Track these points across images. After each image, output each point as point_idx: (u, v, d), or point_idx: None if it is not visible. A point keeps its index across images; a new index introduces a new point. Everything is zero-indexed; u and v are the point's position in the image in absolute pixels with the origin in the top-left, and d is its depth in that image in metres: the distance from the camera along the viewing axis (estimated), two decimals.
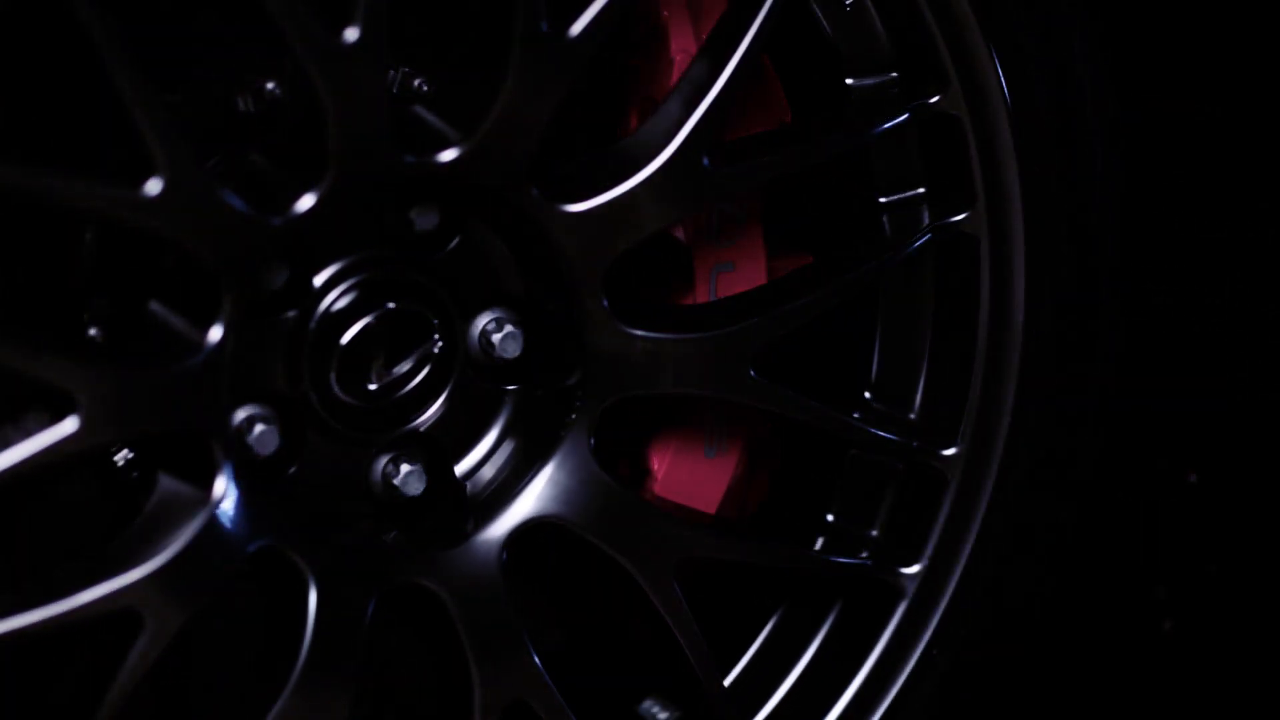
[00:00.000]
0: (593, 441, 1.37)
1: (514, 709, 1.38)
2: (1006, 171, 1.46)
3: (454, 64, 1.39)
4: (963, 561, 1.54)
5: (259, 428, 1.28)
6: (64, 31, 1.12)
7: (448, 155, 1.25)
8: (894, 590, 1.53)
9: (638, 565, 1.40)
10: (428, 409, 1.39)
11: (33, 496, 1.33)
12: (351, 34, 1.17)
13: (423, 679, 1.53)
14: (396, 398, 1.37)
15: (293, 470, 1.35)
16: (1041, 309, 1.50)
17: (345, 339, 1.33)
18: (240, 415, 1.28)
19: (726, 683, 1.54)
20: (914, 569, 1.53)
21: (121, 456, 1.33)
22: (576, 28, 1.25)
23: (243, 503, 1.25)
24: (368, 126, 1.20)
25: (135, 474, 1.33)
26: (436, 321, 1.36)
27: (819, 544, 1.55)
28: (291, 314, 1.32)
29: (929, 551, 1.53)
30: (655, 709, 1.58)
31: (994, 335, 1.50)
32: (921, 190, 1.50)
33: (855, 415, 1.52)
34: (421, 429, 1.39)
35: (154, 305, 1.29)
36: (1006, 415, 1.52)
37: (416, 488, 1.36)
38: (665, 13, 1.45)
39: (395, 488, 1.36)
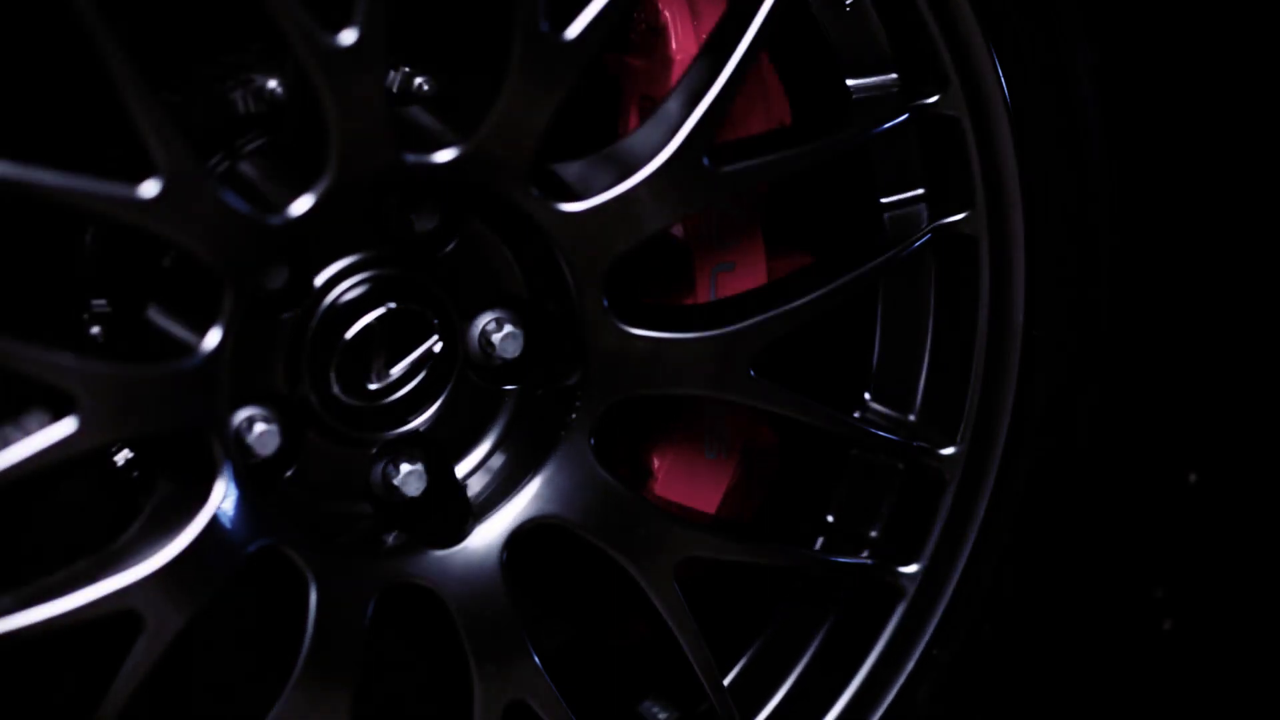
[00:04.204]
0: (593, 441, 1.37)
1: (514, 709, 1.38)
2: (1006, 171, 1.46)
3: (455, 64, 1.40)
4: (962, 561, 1.54)
5: (259, 428, 1.28)
6: (63, 29, 1.12)
7: (448, 155, 1.25)
8: (894, 590, 1.53)
9: (638, 565, 1.40)
10: (428, 409, 1.39)
11: (33, 496, 1.33)
12: (351, 35, 1.17)
13: (423, 679, 1.53)
14: (397, 398, 1.37)
15: (293, 470, 1.35)
16: (1041, 309, 1.50)
17: (345, 339, 1.33)
18: (240, 415, 1.28)
19: (726, 682, 1.54)
20: (913, 569, 1.53)
21: (122, 456, 1.33)
22: (574, 29, 1.25)
23: (243, 503, 1.25)
24: (368, 127, 1.20)
25: (135, 474, 1.33)
26: (436, 321, 1.36)
27: (819, 544, 1.55)
28: (292, 314, 1.32)
29: (929, 551, 1.53)
30: (655, 709, 1.58)
31: (993, 336, 1.50)
32: (921, 190, 1.50)
33: (855, 415, 1.52)
34: (421, 429, 1.39)
35: (154, 305, 1.29)
36: (1006, 415, 1.52)
37: (416, 488, 1.36)
38: (665, 13, 1.45)
39: (395, 488, 1.36)
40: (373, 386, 1.36)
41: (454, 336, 1.38)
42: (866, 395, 1.55)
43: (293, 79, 1.32)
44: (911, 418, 1.54)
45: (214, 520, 1.24)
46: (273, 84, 1.35)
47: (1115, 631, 1.92)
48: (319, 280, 1.33)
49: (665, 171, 1.32)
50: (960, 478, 1.52)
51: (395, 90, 1.38)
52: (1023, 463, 1.53)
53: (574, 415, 1.37)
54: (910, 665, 1.55)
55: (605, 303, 1.34)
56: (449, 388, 1.39)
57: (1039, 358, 1.52)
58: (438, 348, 1.37)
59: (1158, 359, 1.78)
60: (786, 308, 1.41)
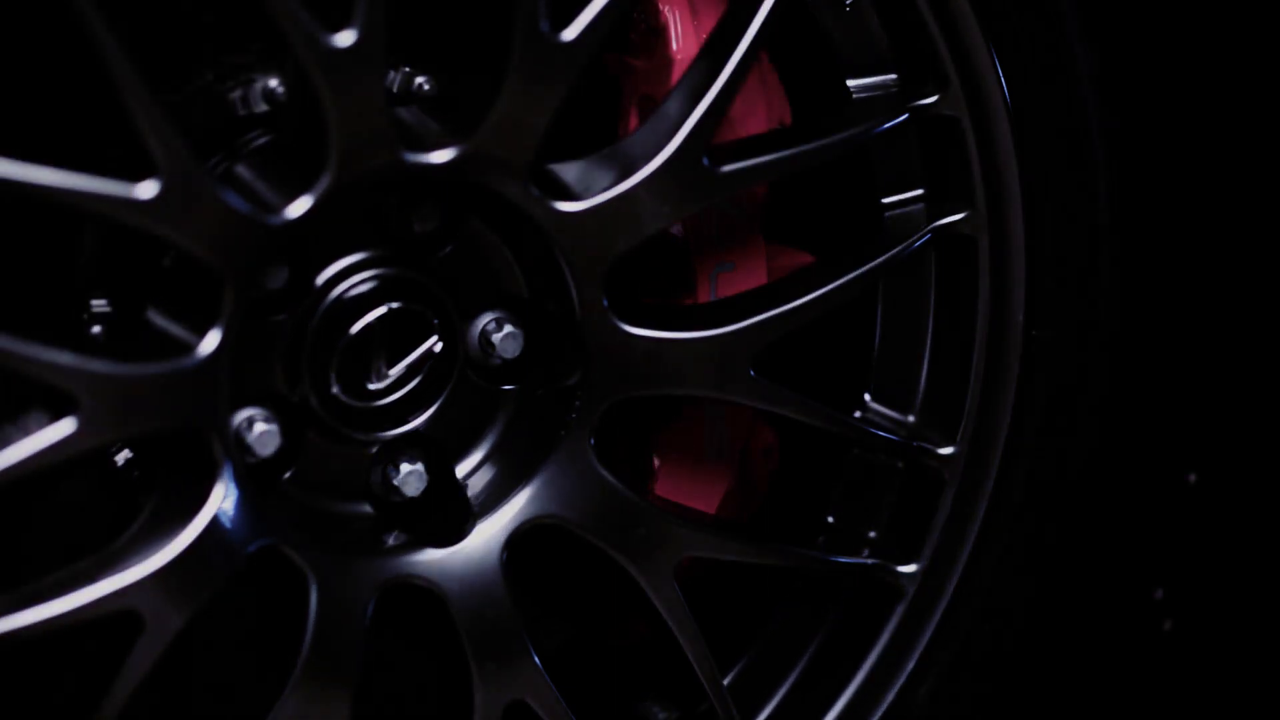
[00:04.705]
0: (593, 441, 1.37)
1: (514, 709, 1.38)
2: (1006, 171, 1.46)
3: (455, 64, 1.40)
4: (962, 561, 1.54)
5: (259, 428, 1.28)
6: (64, 29, 1.12)
7: (448, 155, 1.25)
8: (893, 590, 1.53)
9: (638, 565, 1.40)
10: (428, 409, 1.39)
11: (33, 496, 1.33)
12: (351, 35, 1.17)
13: (423, 679, 1.53)
14: (397, 398, 1.37)
15: (293, 470, 1.35)
16: (1041, 309, 1.50)
17: (345, 339, 1.33)
18: (240, 415, 1.28)
19: (726, 683, 1.54)
20: (913, 569, 1.53)
21: (122, 456, 1.33)
22: (574, 29, 1.25)
23: (243, 503, 1.25)
24: (368, 127, 1.20)
25: (135, 474, 1.33)
26: (436, 321, 1.36)
27: (819, 544, 1.55)
28: (291, 314, 1.32)
29: (928, 551, 1.53)
30: (655, 709, 1.58)
31: (993, 336, 1.50)
32: (921, 190, 1.50)
33: (855, 415, 1.52)
34: (421, 429, 1.39)
35: (154, 305, 1.29)
36: (1006, 415, 1.52)
37: (416, 488, 1.36)
38: (665, 13, 1.45)
39: (395, 488, 1.36)
40: (373, 386, 1.36)
41: (454, 336, 1.38)
42: (866, 395, 1.55)
43: (293, 79, 1.32)
44: (911, 418, 1.54)
45: (214, 520, 1.24)
46: (273, 84, 1.35)
47: (1115, 632, 1.92)
48: (319, 280, 1.33)
49: (665, 171, 1.32)
50: (960, 478, 1.52)
51: (395, 90, 1.38)
52: (1022, 463, 1.54)
53: (574, 415, 1.37)
54: (910, 665, 1.55)
55: (605, 303, 1.34)
56: (449, 388, 1.39)
57: (1039, 358, 1.52)
58: (438, 348, 1.37)
59: (1158, 359, 1.78)
60: (787, 307, 1.41)
